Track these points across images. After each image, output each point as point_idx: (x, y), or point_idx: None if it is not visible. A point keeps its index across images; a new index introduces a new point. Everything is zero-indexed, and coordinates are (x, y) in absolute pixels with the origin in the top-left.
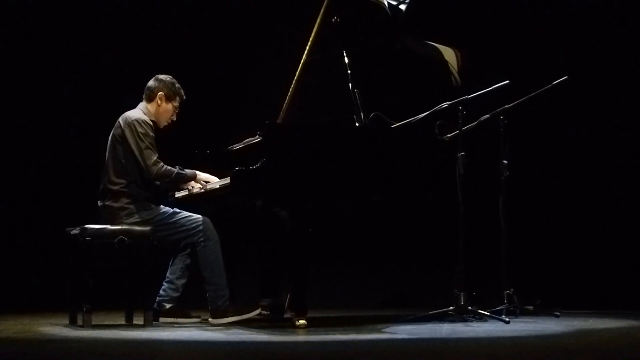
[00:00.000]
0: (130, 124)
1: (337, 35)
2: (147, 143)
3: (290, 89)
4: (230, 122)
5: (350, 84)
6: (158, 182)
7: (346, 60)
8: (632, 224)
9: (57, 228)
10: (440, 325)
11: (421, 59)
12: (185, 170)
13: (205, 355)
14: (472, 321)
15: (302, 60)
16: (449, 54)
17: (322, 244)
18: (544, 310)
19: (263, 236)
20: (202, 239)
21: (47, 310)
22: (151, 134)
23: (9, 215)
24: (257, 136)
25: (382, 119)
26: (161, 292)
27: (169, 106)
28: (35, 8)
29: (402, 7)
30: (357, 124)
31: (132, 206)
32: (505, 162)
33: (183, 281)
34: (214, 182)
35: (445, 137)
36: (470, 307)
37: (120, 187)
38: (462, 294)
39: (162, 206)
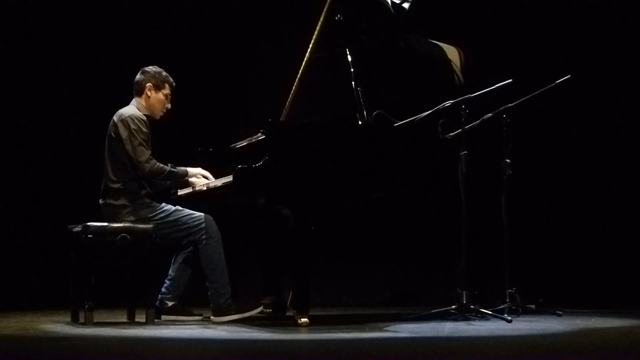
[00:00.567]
0: (124, 120)
1: (340, 33)
2: (139, 140)
3: (293, 87)
4: (233, 120)
5: (353, 82)
6: (153, 180)
7: (349, 58)
8: (635, 223)
9: (60, 226)
10: (443, 323)
11: (424, 58)
12: (177, 167)
13: (207, 353)
14: (474, 320)
15: (305, 59)
16: (452, 53)
17: (324, 242)
18: (546, 309)
19: (265, 234)
20: (204, 236)
21: (49, 307)
22: (144, 129)
23: (11, 213)
24: (260, 134)
25: (385, 117)
26: (163, 289)
27: (160, 95)
28: (35, 8)
29: (405, 5)
30: (359, 122)
31: (133, 204)
32: (507, 160)
33: (185, 279)
34: (217, 180)
35: (448, 135)
36: (472, 306)
37: (120, 185)
38: (464, 292)
39: (164, 204)
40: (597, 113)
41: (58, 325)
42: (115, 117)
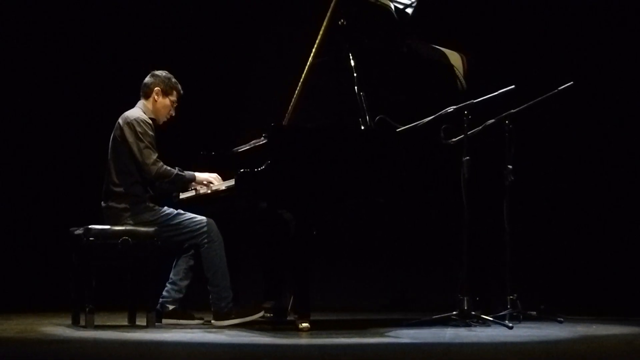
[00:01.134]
0: (129, 123)
1: (343, 38)
2: (146, 142)
3: (296, 91)
4: (234, 122)
5: (356, 87)
6: (157, 183)
7: (352, 62)
8: (637, 231)
9: (61, 228)
10: (444, 329)
11: (427, 63)
12: (185, 172)
13: (207, 357)
14: (475, 326)
15: (308, 63)
16: (454, 58)
17: (326, 247)
18: (547, 315)
19: (266, 238)
20: (206, 240)
21: (49, 310)
22: (150, 132)
23: (13, 215)
24: (263, 138)
25: (388, 122)
26: (164, 293)
27: (167, 101)
28: (35, 8)
29: (409, 10)
30: (362, 127)
31: (135, 207)
32: (510, 166)
33: (186, 283)
34: (219, 183)
35: (450, 141)
36: (473, 312)
37: (122, 189)
38: (465, 298)
39: (166, 207)
40: (600, 119)
41: (59, 328)
42: (120, 120)
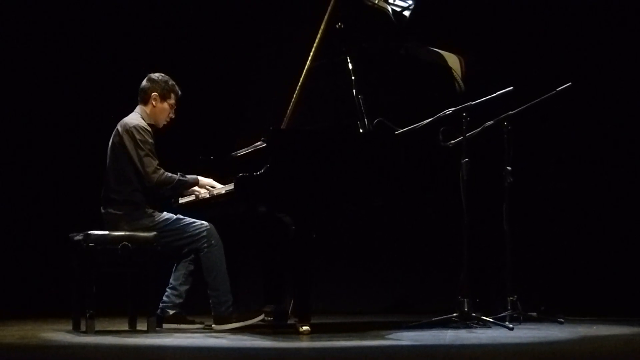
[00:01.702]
0: (128, 130)
1: (341, 41)
2: (146, 150)
3: (294, 95)
4: (233, 126)
5: (354, 90)
6: (159, 190)
7: (350, 66)
8: (637, 231)
9: (61, 234)
10: (444, 331)
11: (425, 65)
12: (187, 176)
13: None
14: (475, 327)
15: (306, 66)
16: (452, 60)
17: (325, 250)
18: (547, 316)
19: (266, 242)
20: (206, 244)
21: (50, 315)
22: (150, 140)
23: (13, 221)
24: (261, 142)
25: (386, 125)
26: (164, 298)
27: (165, 105)
28: (36, 8)
29: (406, 13)
30: (360, 130)
31: (134, 213)
32: (509, 168)
33: (186, 287)
34: (220, 187)
35: (449, 143)
36: (474, 314)
37: (122, 196)
38: (465, 300)
39: (165, 212)
40: (599, 120)
41: (59, 334)
42: (119, 127)
